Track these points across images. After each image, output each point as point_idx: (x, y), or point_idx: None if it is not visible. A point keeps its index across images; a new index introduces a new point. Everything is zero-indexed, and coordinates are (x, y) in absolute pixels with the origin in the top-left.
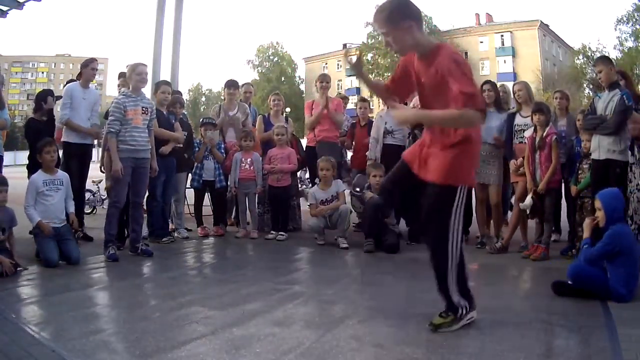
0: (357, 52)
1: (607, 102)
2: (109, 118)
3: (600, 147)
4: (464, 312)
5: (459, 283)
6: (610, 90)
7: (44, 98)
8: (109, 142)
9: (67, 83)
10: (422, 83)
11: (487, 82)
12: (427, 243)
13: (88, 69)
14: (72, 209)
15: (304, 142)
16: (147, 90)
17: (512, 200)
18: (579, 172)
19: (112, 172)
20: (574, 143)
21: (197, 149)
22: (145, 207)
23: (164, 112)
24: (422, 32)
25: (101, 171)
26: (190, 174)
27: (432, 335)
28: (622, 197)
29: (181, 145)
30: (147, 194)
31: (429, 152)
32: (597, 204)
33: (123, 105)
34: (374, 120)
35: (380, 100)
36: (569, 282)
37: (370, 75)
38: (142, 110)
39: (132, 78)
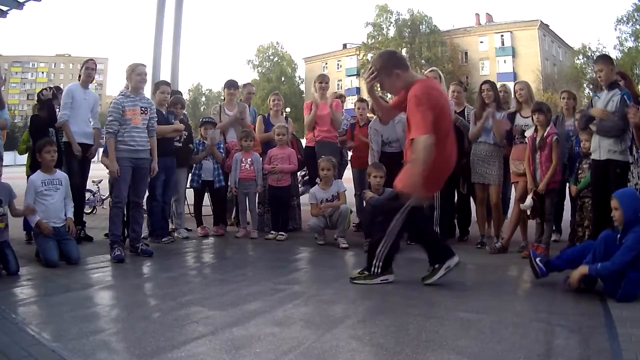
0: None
1: (606, 102)
2: (108, 119)
3: (600, 147)
4: (377, 270)
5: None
6: (609, 90)
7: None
8: (107, 143)
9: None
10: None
11: (486, 82)
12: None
13: (83, 69)
14: (70, 213)
15: (303, 142)
16: (146, 91)
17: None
18: (579, 172)
19: (109, 172)
20: (574, 143)
21: (198, 149)
22: (145, 207)
23: (163, 112)
24: (408, 72)
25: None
26: (189, 174)
27: (432, 335)
28: None
29: (180, 145)
30: (147, 194)
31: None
32: (615, 203)
33: (121, 105)
34: (369, 130)
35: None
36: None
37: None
38: (141, 110)
39: (132, 78)
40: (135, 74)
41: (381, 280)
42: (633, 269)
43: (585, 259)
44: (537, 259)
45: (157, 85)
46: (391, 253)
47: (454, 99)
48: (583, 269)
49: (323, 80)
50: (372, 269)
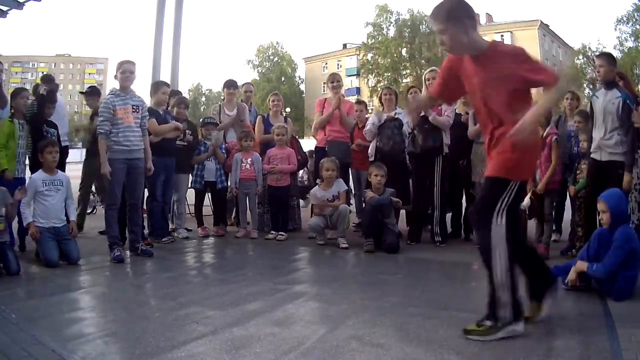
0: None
1: (605, 104)
2: (99, 119)
3: (602, 148)
4: (505, 315)
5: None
6: (607, 89)
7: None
8: (99, 143)
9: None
10: (473, 83)
11: None
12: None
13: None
14: (73, 215)
15: (303, 142)
16: (146, 91)
17: None
18: (577, 172)
19: (101, 173)
20: (573, 143)
21: (199, 149)
22: (145, 207)
23: (160, 112)
24: (477, 32)
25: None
26: (191, 175)
27: (432, 335)
28: (625, 198)
29: (185, 144)
30: (147, 194)
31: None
32: (602, 205)
33: (112, 104)
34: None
35: (379, 102)
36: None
37: (370, 76)
38: (133, 108)
39: (117, 76)
40: (120, 72)
41: (508, 333)
42: (624, 267)
43: (579, 253)
44: None
45: (159, 85)
46: (515, 279)
47: (462, 99)
48: (582, 266)
49: (334, 79)
50: (499, 313)
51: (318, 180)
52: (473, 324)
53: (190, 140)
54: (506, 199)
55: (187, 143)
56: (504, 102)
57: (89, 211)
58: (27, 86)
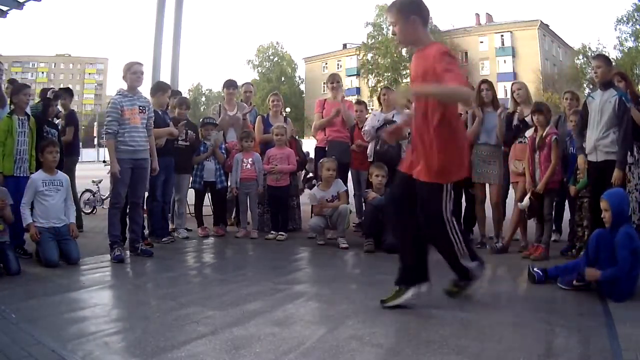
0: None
1: (602, 104)
2: (106, 119)
3: (597, 149)
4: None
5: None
6: (604, 89)
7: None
8: (107, 144)
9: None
10: (411, 77)
11: (485, 81)
12: (428, 234)
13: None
14: (72, 217)
15: (304, 142)
16: (145, 91)
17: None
18: (578, 172)
19: (109, 173)
20: (568, 144)
21: (199, 149)
22: (145, 207)
23: (159, 112)
24: (426, 31)
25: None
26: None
27: (432, 335)
28: (627, 198)
29: (188, 143)
30: (147, 194)
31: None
32: (604, 204)
33: (120, 105)
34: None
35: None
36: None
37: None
38: (139, 109)
39: (127, 77)
40: (131, 72)
41: (477, 265)
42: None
43: (581, 254)
44: (535, 268)
45: (160, 87)
46: (467, 240)
47: None
48: (594, 273)
49: (333, 80)
50: (464, 271)
51: (314, 181)
52: (473, 323)
53: (193, 139)
54: (447, 197)
55: (189, 143)
56: (428, 100)
57: (89, 211)
58: None
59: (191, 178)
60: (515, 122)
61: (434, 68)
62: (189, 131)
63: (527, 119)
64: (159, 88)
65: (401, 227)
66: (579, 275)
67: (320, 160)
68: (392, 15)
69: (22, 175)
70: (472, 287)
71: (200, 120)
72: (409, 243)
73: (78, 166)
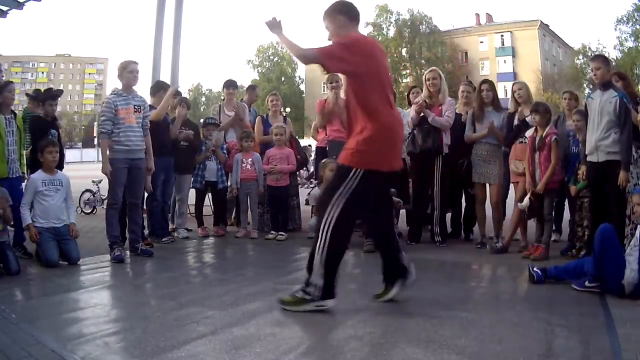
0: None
1: (602, 104)
2: (100, 118)
3: (598, 149)
4: (315, 293)
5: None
6: (603, 89)
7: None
8: (100, 143)
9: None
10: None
11: (485, 81)
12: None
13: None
14: (72, 218)
15: (304, 142)
16: (145, 91)
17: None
18: (578, 172)
19: (102, 172)
20: (570, 143)
21: (200, 149)
22: (145, 207)
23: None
24: (354, 27)
25: None
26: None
27: (432, 335)
28: None
29: (187, 144)
30: (147, 194)
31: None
32: (637, 198)
33: (114, 104)
34: None
35: None
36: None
37: None
38: (135, 108)
39: (123, 76)
40: (127, 71)
41: (315, 307)
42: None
43: (581, 254)
44: (535, 268)
45: (161, 86)
46: (333, 261)
47: (463, 99)
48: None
49: (333, 80)
50: (311, 290)
51: (315, 182)
52: (473, 323)
53: (191, 138)
54: (349, 184)
55: (189, 143)
56: (350, 88)
57: (89, 211)
58: (27, 86)
59: (192, 178)
60: (515, 122)
61: None
62: (184, 128)
63: (528, 119)
64: (159, 87)
65: (371, 225)
66: (590, 277)
67: (323, 161)
68: (324, 16)
69: (14, 176)
70: (307, 308)
71: (202, 120)
72: (379, 242)
73: (78, 166)
